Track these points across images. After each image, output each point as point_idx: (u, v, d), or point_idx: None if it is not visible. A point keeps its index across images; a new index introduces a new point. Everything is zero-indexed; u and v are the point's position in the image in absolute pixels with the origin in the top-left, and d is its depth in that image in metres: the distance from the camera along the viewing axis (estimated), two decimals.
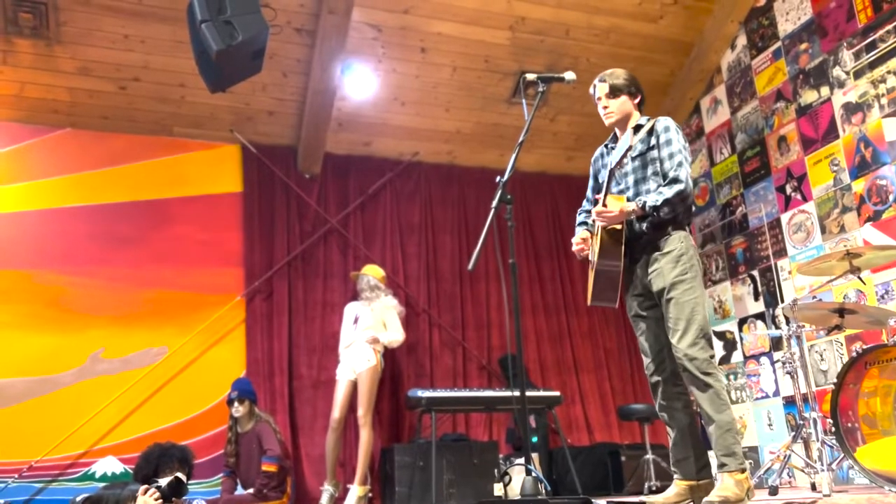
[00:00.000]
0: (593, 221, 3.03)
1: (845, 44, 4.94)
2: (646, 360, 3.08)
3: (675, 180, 2.88)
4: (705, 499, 2.75)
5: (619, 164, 2.88)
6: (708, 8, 5.87)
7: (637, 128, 3.03)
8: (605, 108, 3.13)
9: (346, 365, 5.26)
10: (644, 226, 2.96)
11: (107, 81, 5.32)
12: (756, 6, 5.69)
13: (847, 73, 4.93)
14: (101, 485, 4.83)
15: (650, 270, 2.96)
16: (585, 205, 3.33)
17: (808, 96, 5.23)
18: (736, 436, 2.81)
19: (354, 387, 5.19)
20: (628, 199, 2.97)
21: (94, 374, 5.16)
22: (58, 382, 5.06)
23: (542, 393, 5.37)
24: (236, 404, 4.92)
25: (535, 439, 5.36)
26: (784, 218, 5.40)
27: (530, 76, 2.99)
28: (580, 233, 3.19)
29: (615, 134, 3.20)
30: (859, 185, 4.82)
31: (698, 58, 6.09)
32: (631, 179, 3.04)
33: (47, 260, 5.23)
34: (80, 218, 5.39)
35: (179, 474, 3.29)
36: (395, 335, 5.36)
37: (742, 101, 5.84)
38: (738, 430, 2.85)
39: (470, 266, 2.60)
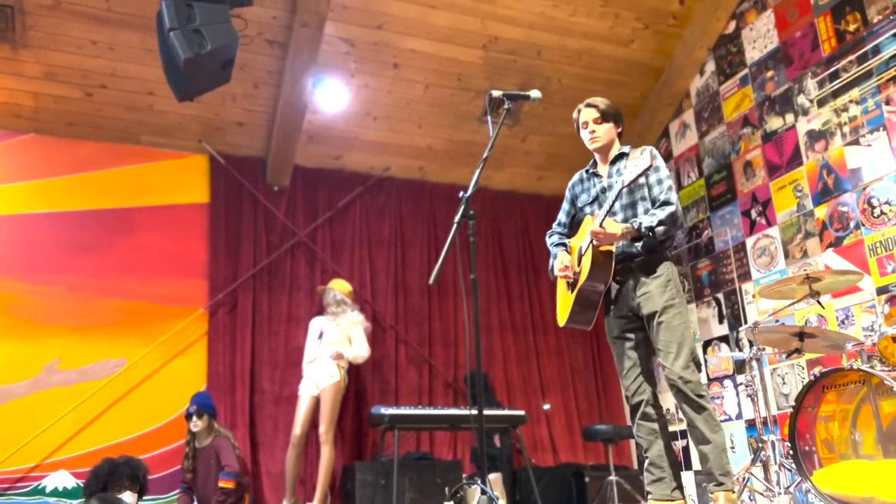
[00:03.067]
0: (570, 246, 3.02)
1: (810, 72, 5.04)
2: (625, 382, 3.10)
3: (667, 202, 2.96)
4: None
5: (633, 183, 2.86)
6: (678, 34, 5.96)
7: (620, 156, 3.13)
8: (593, 132, 3.17)
9: (309, 380, 5.19)
10: (636, 248, 3.01)
11: (73, 87, 5.24)
12: (725, 33, 5.79)
13: (811, 101, 5.02)
14: (52, 500, 4.71)
15: (639, 294, 3.00)
16: (556, 227, 3.38)
17: (774, 123, 5.31)
18: (729, 456, 2.89)
19: (317, 403, 5.12)
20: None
21: (48, 385, 5.03)
22: (10, 393, 4.92)
23: (506, 412, 5.34)
24: (195, 418, 4.83)
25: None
26: (749, 242, 5.46)
27: (496, 93, 2.99)
28: (562, 256, 3.20)
29: (595, 160, 3.27)
30: (822, 212, 4.89)
31: (668, 82, 6.17)
32: (618, 205, 3.10)
33: (5, 266, 5.10)
34: (41, 225, 5.27)
35: None
36: (359, 351, 5.31)
37: (710, 126, 5.92)
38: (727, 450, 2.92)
39: (431, 280, 2.57)
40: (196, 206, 5.72)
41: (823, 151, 4.91)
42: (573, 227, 3.32)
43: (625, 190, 3.04)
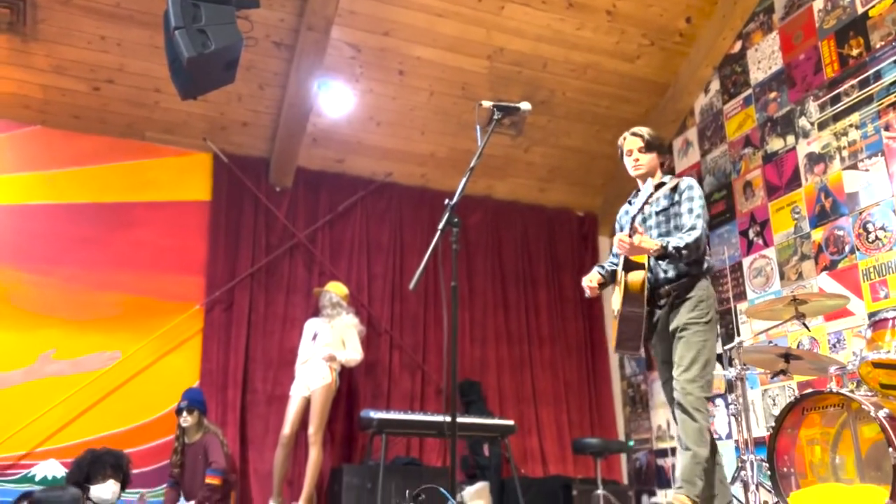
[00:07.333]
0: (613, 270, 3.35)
1: (812, 95, 5.04)
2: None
3: (693, 228, 3.11)
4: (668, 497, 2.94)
5: (641, 210, 3.07)
6: (684, 51, 5.98)
7: (660, 185, 3.22)
8: (637, 160, 3.33)
9: (301, 381, 5.22)
10: (670, 273, 3.18)
11: (81, 81, 5.31)
12: (730, 53, 5.80)
13: (812, 123, 5.03)
14: (41, 488, 4.75)
15: (672, 315, 3.16)
16: (612, 258, 3.52)
17: (775, 144, 5.32)
18: (702, 472, 2.97)
19: (307, 404, 5.14)
20: None
21: (43, 374, 5.07)
22: (4, 381, 4.97)
23: (495, 421, 5.35)
24: (185, 414, 4.86)
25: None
26: (746, 262, 5.45)
27: (486, 104, 3.04)
28: (592, 274, 3.42)
29: (638, 190, 3.39)
30: (818, 234, 4.89)
31: (672, 99, 6.19)
32: (655, 233, 3.24)
33: (4, 255, 5.15)
34: (42, 216, 5.33)
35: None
36: (352, 354, 5.33)
37: (712, 145, 5.93)
38: (705, 468, 2.99)
39: (411, 286, 2.61)
40: (197, 203, 5.77)
41: (822, 174, 4.91)
42: None
43: (660, 219, 3.23)
